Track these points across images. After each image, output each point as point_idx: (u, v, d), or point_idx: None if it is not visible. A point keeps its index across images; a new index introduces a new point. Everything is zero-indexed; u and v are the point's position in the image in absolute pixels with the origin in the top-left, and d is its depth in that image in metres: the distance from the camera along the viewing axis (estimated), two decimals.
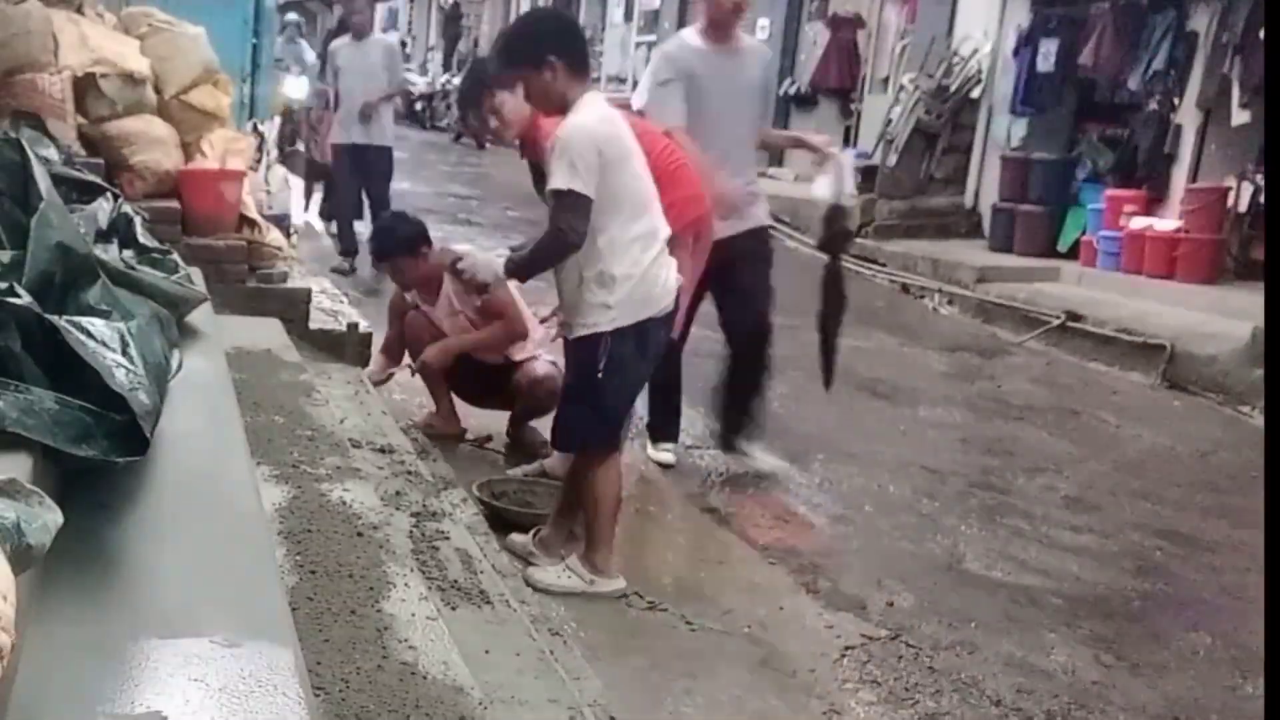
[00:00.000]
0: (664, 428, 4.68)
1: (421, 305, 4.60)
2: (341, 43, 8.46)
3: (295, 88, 10.79)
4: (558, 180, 2.99)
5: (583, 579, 3.34)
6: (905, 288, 9.15)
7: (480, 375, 4.51)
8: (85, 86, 4.70)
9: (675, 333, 3.98)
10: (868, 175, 10.79)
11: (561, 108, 3.09)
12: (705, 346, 6.76)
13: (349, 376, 4.46)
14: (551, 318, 3.57)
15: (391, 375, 4.79)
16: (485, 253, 3.42)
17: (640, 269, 3.13)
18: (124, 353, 1.72)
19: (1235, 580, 4.03)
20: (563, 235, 3.04)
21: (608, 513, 3.38)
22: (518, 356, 4.44)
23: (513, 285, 3.96)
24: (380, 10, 29.95)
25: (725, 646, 3.22)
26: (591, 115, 3.05)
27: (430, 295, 4.53)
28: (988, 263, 9.10)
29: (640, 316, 3.15)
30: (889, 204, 10.23)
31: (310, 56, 11.88)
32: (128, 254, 2.61)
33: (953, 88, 10.23)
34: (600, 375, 3.17)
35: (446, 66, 22.64)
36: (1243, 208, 7.99)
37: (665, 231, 3.24)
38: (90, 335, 1.66)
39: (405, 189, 12.21)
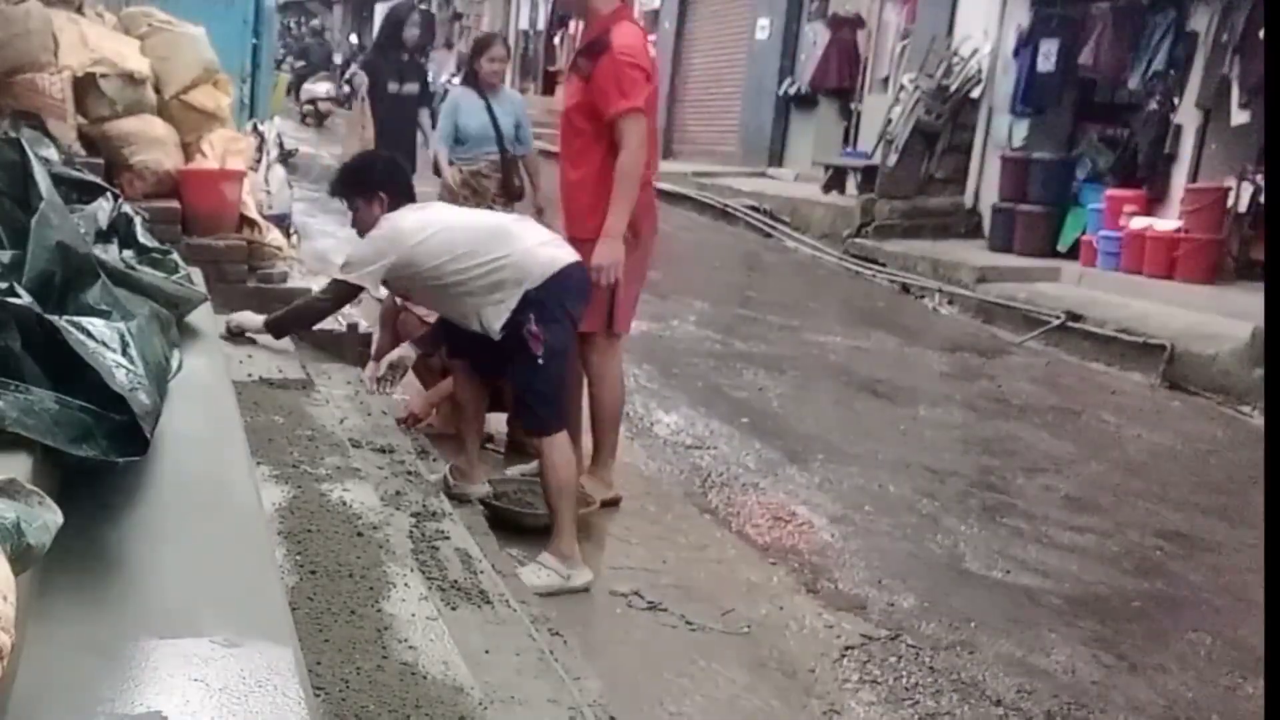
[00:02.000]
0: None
1: (409, 305, 4.59)
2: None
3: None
4: (334, 271, 3.77)
5: (560, 575, 3.41)
6: (905, 288, 9.15)
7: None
8: (85, 86, 4.70)
9: (624, 324, 4.17)
10: (868, 175, 10.80)
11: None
12: (705, 346, 6.77)
13: (349, 376, 4.45)
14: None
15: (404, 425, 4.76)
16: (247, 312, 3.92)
17: (493, 267, 3.47)
18: (124, 353, 1.72)
19: (1235, 580, 4.03)
20: (316, 300, 3.85)
21: (569, 498, 3.50)
22: None
23: None
24: (380, 10, 30.00)
25: (725, 646, 3.22)
26: (383, 226, 3.65)
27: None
28: (988, 263, 9.10)
29: (533, 284, 3.45)
30: (889, 204, 10.23)
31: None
32: (128, 254, 2.61)
33: (953, 88, 10.22)
34: (540, 357, 3.45)
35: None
36: (1243, 208, 7.99)
37: (499, 225, 3.66)
38: (90, 335, 1.66)
39: None
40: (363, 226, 3.80)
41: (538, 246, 3.57)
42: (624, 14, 3.92)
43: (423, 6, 7.95)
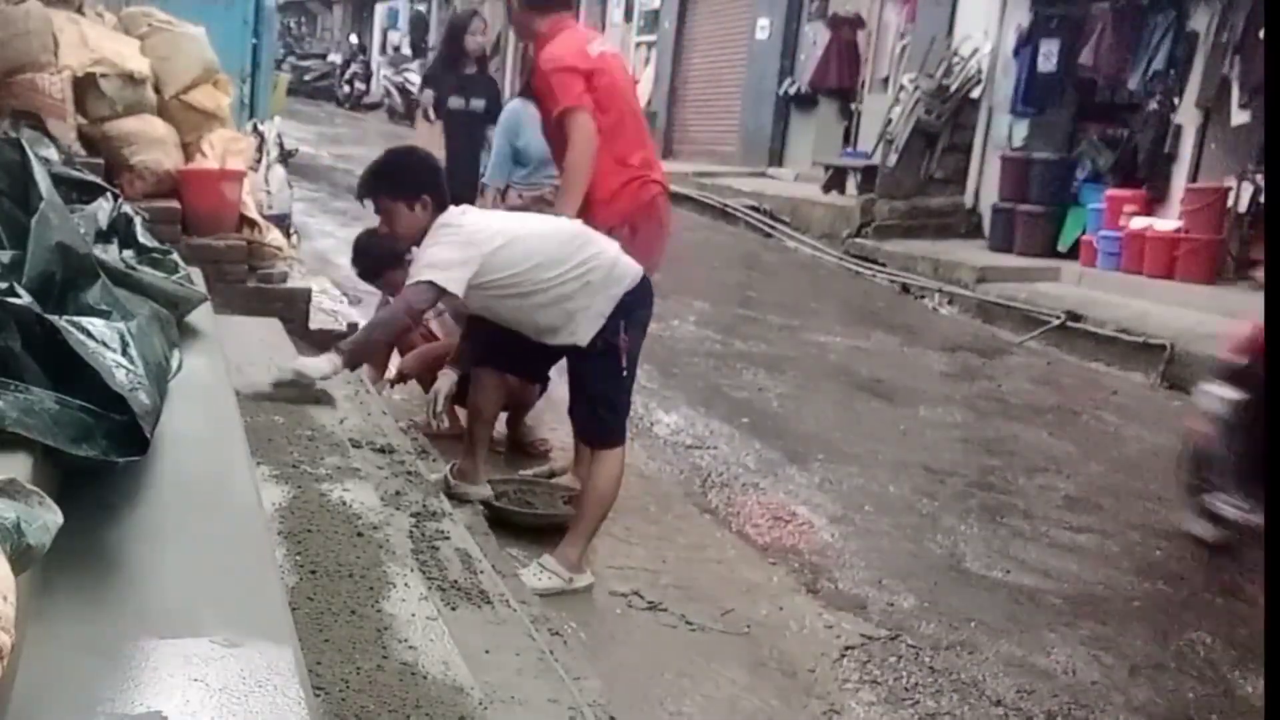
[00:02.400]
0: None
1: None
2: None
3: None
4: (414, 275, 3.38)
5: (562, 577, 3.37)
6: (905, 288, 9.15)
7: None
8: (85, 86, 4.70)
9: None
10: (868, 175, 10.80)
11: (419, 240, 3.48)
12: (705, 346, 6.77)
13: (349, 376, 4.44)
14: None
15: (393, 384, 4.74)
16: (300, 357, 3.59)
17: (584, 276, 3.34)
18: (124, 353, 1.72)
19: (1235, 580, 4.03)
20: (396, 307, 3.52)
21: (602, 511, 3.46)
22: None
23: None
24: (380, 10, 30.01)
25: (725, 646, 3.22)
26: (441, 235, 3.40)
27: None
28: (988, 263, 9.10)
29: (621, 293, 3.35)
30: (889, 204, 10.23)
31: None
32: (128, 254, 2.62)
33: (953, 88, 10.23)
34: (624, 368, 3.40)
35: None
36: (1243, 208, 7.99)
37: (577, 232, 3.48)
38: (90, 335, 1.67)
39: None
40: (404, 233, 3.51)
41: (619, 254, 3.45)
42: (560, 26, 3.91)
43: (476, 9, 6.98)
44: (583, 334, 3.34)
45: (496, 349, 3.59)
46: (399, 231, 3.51)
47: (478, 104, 6.53)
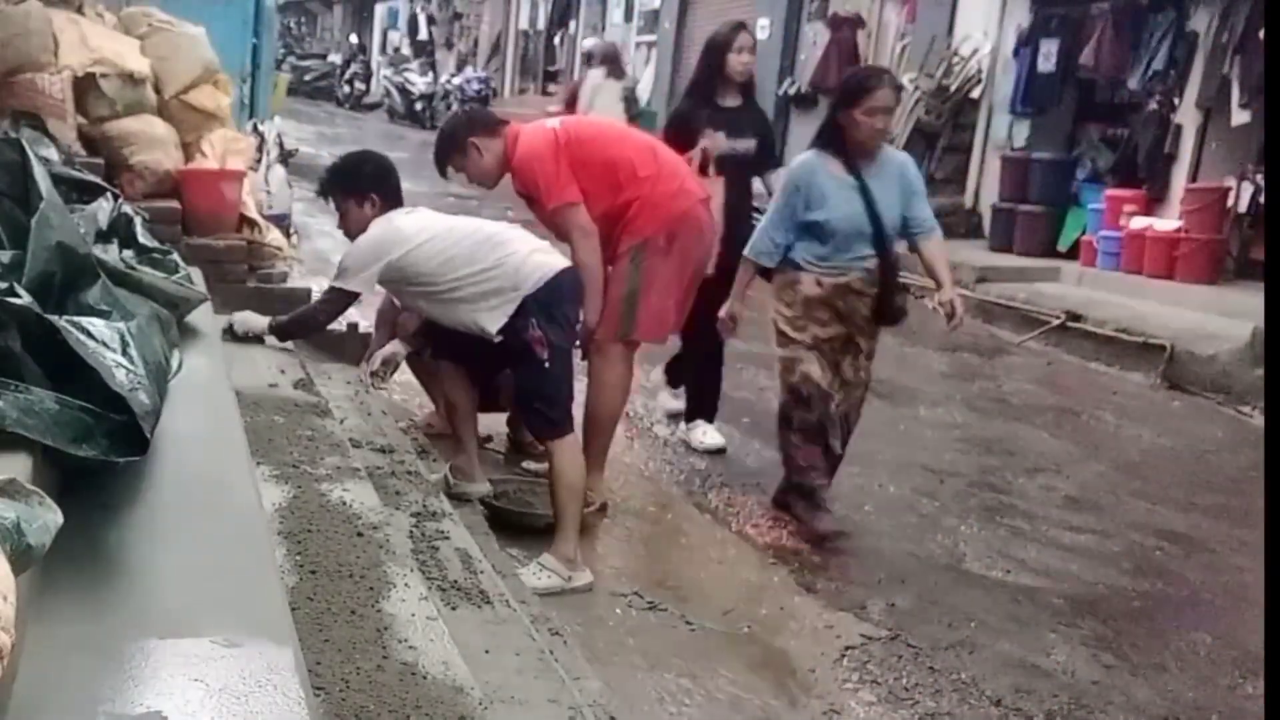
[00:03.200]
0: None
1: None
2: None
3: None
4: (334, 279, 3.73)
5: (561, 576, 3.38)
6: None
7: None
8: (85, 86, 4.70)
9: (675, 329, 4.35)
10: None
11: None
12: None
13: (349, 376, 4.45)
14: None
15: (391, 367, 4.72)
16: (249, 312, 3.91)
17: (486, 274, 3.51)
18: (124, 353, 1.72)
19: (1235, 580, 4.03)
20: (322, 304, 3.85)
21: (575, 500, 3.48)
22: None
23: None
24: (380, 10, 30.02)
25: (725, 646, 3.22)
26: (370, 232, 3.70)
27: None
28: (988, 263, 9.10)
29: (531, 289, 3.49)
30: None
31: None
32: (128, 254, 2.62)
33: (953, 88, 10.23)
34: (545, 360, 3.47)
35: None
36: (1243, 208, 7.99)
37: (495, 234, 3.64)
38: (90, 335, 1.67)
39: (406, 189, 12.20)
40: (353, 229, 3.80)
41: (530, 254, 3.58)
42: (514, 134, 3.91)
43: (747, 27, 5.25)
44: (486, 328, 3.51)
45: (450, 342, 3.74)
46: (349, 227, 3.82)
47: (747, 144, 5.05)
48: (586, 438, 4.06)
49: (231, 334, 3.71)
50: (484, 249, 3.57)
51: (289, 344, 3.97)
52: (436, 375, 4.51)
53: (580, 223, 3.83)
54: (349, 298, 3.72)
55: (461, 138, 3.94)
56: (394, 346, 3.92)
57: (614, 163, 3.93)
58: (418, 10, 25.37)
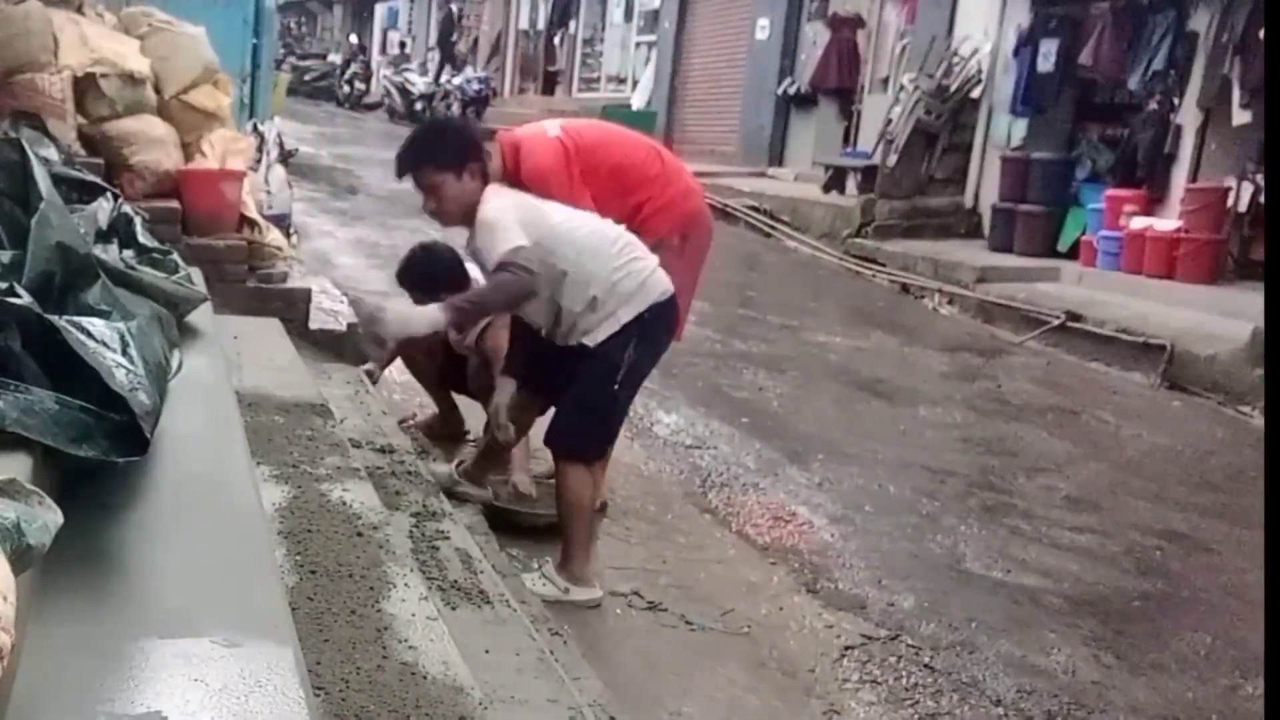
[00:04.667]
0: None
1: None
2: None
3: None
4: (502, 246, 3.16)
5: (557, 586, 3.28)
6: (905, 288, 9.15)
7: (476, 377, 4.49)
8: (85, 86, 4.70)
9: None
10: (868, 175, 10.80)
11: (469, 214, 3.30)
12: (705, 346, 6.77)
13: (349, 376, 4.45)
14: None
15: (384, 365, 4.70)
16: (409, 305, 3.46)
17: (617, 275, 3.23)
18: (124, 353, 1.72)
19: (1235, 580, 4.03)
20: (521, 273, 3.16)
21: (584, 520, 3.34)
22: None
23: None
24: (380, 10, 30.00)
25: (725, 646, 3.22)
26: (498, 199, 3.30)
27: None
28: (988, 263, 9.10)
29: (646, 304, 3.24)
30: (889, 204, 10.23)
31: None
32: (128, 254, 2.62)
33: (953, 88, 10.22)
34: (618, 382, 3.25)
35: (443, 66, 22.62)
36: (1243, 208, 7.99)
37: (621, 236, 3.35)
38: (90, 335, 1.67)
39: (406, 189, 12.21)
40: (451, 207, 3.33)
41: (657, 267, 3.31)
42: (513, 143, 3.66)
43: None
44: (598, 335, 3.23)
45: (529, 368, 3.47)
46: (447, 207, 3.33)
47: None
48: None
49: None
50: (616, 246, 3.27)
51: (289, 346, 3.93)
52: (433, 377, 4.50)
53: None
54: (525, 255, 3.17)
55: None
56: (505, 390, 3.52)
57: (622, 167, 3.86)
58: (453, 7, 25.13)
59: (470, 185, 3.29)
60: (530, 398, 3.56)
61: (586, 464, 3.34)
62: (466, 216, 3.31)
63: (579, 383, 3.30)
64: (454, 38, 24.42)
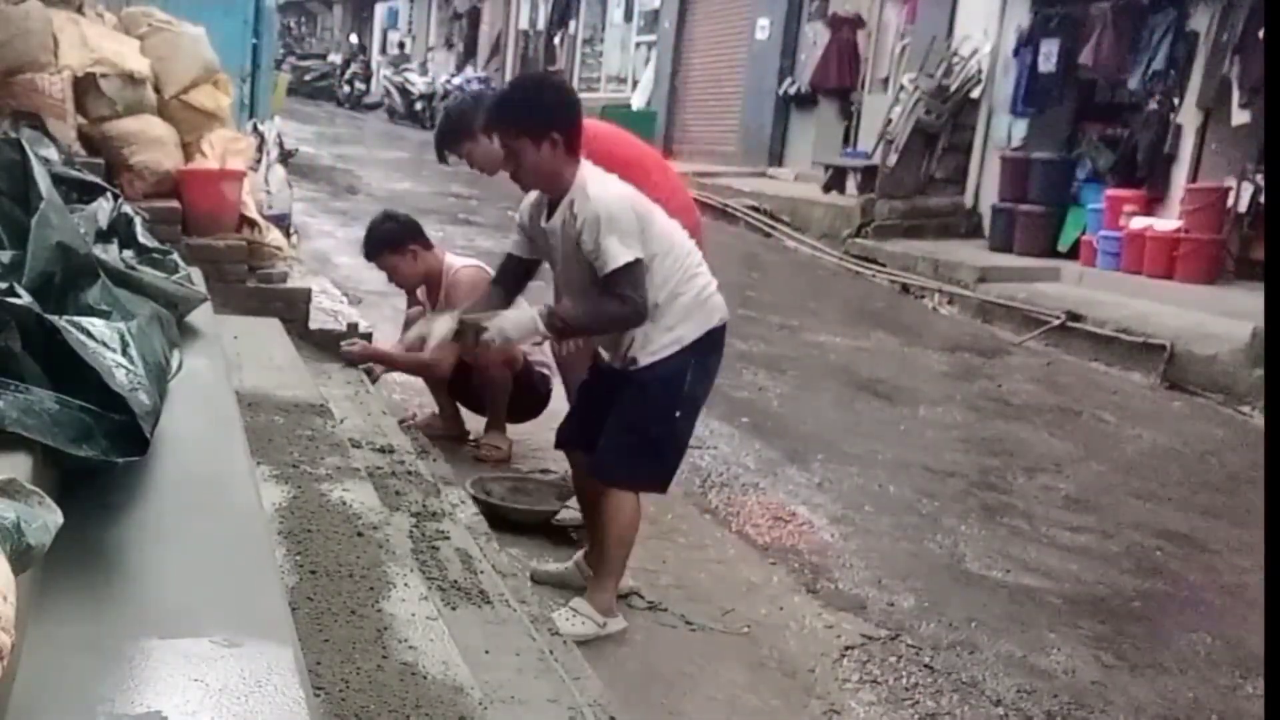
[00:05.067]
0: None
1: (424, 306, 4.57)
2: None
3: None
4: (619, 255, 2.87)
5: (595, 623, 3.10)
6: (905, 288, 9.15)
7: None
8: (85, 86, 4.70)
9: None
10: (868, 175, 10.80)
11: (550, 186, 3.00)
12: None
13: (349, 376, 4.45)
14: None
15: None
16: (516, 312, 3.11)
17: (683, 286, 3.00)
18: (124, 353, 1.72)
19: (1235, 580, 4.03)
20: (632, 304, 2.91)
21: (625, 551, 3.16)
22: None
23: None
24: (380, 10, 30.00)
25: (725, 646, 3.22)
26: (612, 184, 2.99)
27: (432, 295, 4.50)
28: (988, 263, 9.10)
29: (705, 328, 3.02)
30: (889, 204, 10.23)
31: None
32: (128, 254, 2.62)
33: (953, 88, 10.23)
34: (679, 406, 3.02)
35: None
36: (1243, 208, 7.99)
37: (690, 242, 3.12)
38: (90, 335, 1.67)
39: (406, 189, 12.22)
40: (534, 176, 3.00)
41: (717, 287, 3.07)
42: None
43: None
44: (655, 351, 2.97)
45: (585, 423, 3.21)
46: (536, 171, 2.97)
47: None
48: None
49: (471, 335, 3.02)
50: (685, 248, 3.02)
51: (291, 348, 3.93)
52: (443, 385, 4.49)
53: None
54: (644, 267, 2.91)
55: (470, 124, 3.71)
56: (440, 325, 3.12)
57: (627, 162, 3.88)
58: (479, 3, 25.04)
59: (545, 155, 2.92)
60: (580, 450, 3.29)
61: (639, 491, 3.13)
62: (550, 184, 3.00)
63: (634, 406, 3.03)
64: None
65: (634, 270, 2.88)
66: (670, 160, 4.32)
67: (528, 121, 2.91)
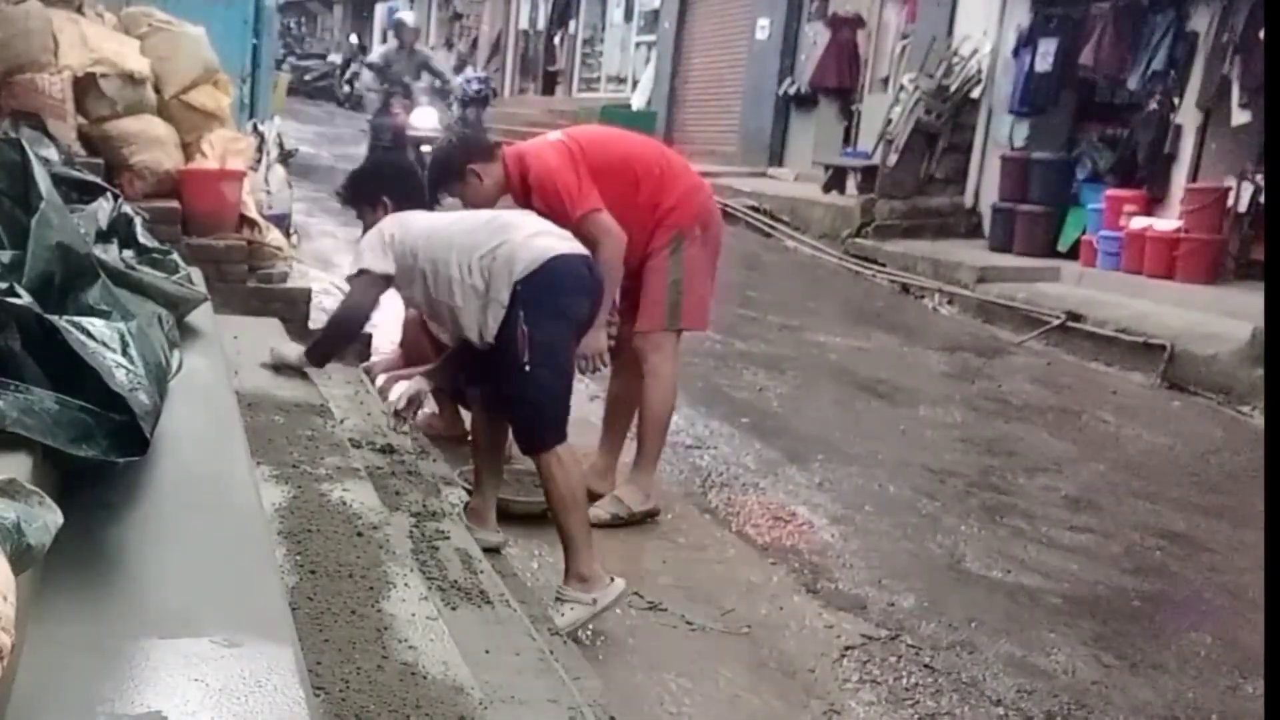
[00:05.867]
0: None
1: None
2: None
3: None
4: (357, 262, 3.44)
5: (583, 603, 3.09)
6: (905, 288, 9.15)
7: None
8: (85, 86, 4.70)
9: (697, 321, 4.18)
10: (868, 175, 10.79)
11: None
12: (705, 346, 6.77)
13: (349, 376, 4.45)
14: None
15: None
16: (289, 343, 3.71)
17: (484, 260, 3.21)
18: (124, 353, 1.72)
19: (1235, 580, 4.03)
20: (350, 308, 3.52)
21: (580, 513, 3.18)
22: None
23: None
24: (380, 10, 29.97)
25: (725, 646, 3.22)
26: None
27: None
28: (988, 263, 9.10)
29: (513, 281, 3.16)
30: (889, 204, 10.23)
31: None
32: (128, 254, 2.62)
33: (953, 88, 10.22)
34: (527, 362, 3.14)
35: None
36: (1243, 208, 7.99)
37: (492, 218, 3.39)
38: (90, 335, 1.67)
39: None
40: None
41: (531, 237, 3.25)
42: (515, 155, 3.88)
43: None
44: (489, 328, 3.20)
45: (467, 371, 3.49)
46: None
47: None
48: (641, 437, 4.08)
49: (273, 366, 3.46)
50: (485, 232, 3.27)
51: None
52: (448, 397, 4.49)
53: (609, 226, 3.76)
54: (373, 283, 3.40)
55: (460, 165, 3.87)
56: (418, 384, 3.56)
57: (628, 161, 3.98)
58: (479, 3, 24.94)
59: (379, 218, 3.51)
60: (488, 411, 3.53)
61: (554, 450, 3.19)
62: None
63: (500, 381, 3.28)
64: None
65: (354, 279, 3.47)
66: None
67: (365, 197, 3.65)
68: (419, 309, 3.73)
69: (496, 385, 3.33)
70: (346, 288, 3.76)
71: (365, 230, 3.58)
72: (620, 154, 4.00)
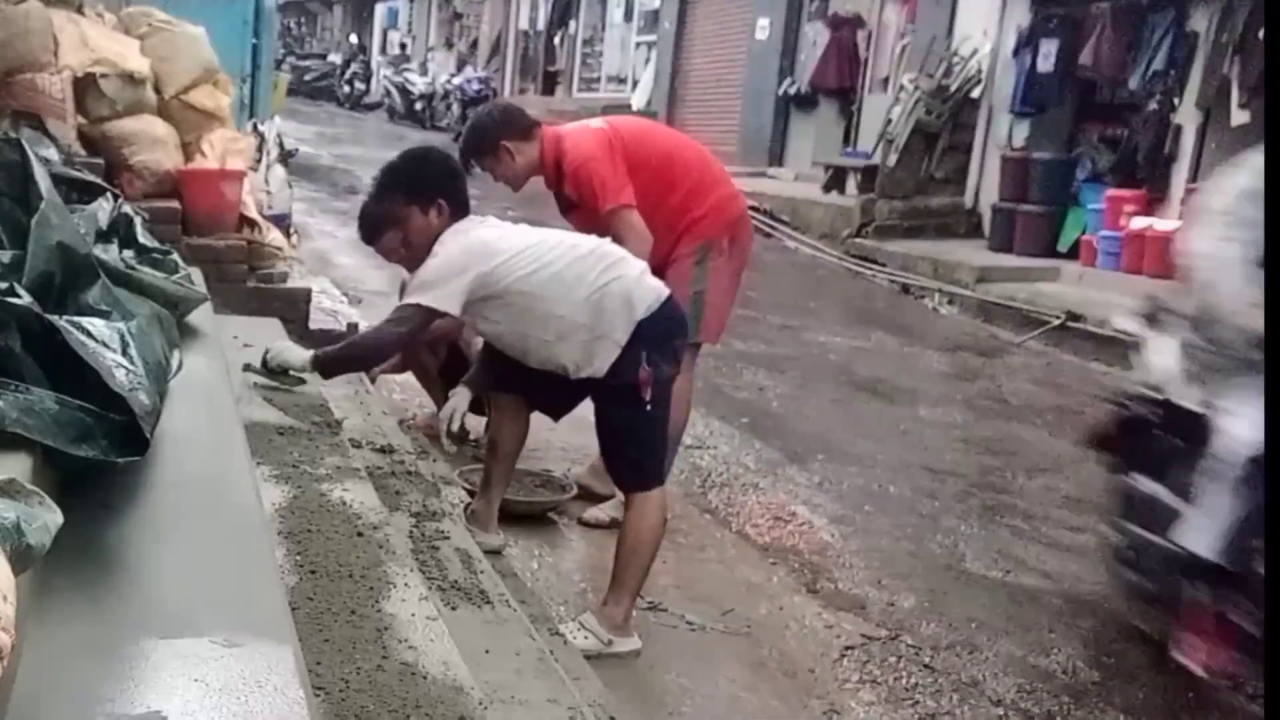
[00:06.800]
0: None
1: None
2: None
3: None
4: (417, 291, 3.10)
5: (600, 639, 3.04)
6: (905, 288, 9.15)
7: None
8: (85, 86, 4.70)
9: (713, 335, 4.04)
10: (868, 175, 10.80)
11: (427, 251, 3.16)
12: (705, 346, 6.76)
13: (349, 376, 4.44)
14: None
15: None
16: (289, 343, 3.39)
17: (594, 295, 3.05)
18: (124, 353, 1.72)
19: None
20: (388, 336, 3.23)
21: (643, 560, 3.10)
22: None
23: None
24: (380, 10, 30.01)
25: (725, 646, 3.22)
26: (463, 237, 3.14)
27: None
28: (988, 263, 9.10)
29: (635, 320, 3.04)
30: (889, 204, 10.23)
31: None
32: (128, 254, 2.62)
33: (953, 88, 10.23)
34: (649, 401, 3.06)
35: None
36: None
37: (595, 249, 3.17)
38: (90, 335, 1.67)
39: None
40: (415, 241, 3.18)
41: (641, 276, 3.13)
42: (554, 138, 3.76)
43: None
44: (597, 365, 3.05)
45: (517, 373, 3.25)
46: (415, 239, 3.17)
47: None
48: None
49: (264, 369, 3.18)
50: (589, 265, 3.07)
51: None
52: (434, 377, 4.49)
53: (636, 225, 3.63)
54: (429, 317, 3.11)
55: (494, 139, 3.71)
56: (462, 398, 3.36)
57: (669, 159, 3.84)
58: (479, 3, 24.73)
59: (430, 223, 3.16)
60: (521, 405, 3.42)
61: (655, 489, 3.13)
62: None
63: (612, 416, 3.15)
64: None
65: (404, 310, 3.14)
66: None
67: (416, 194, 3.17)
68: (479, 332, 3.43)
69: (564, 396, 3.24)
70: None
71: (406, 238, 3.20)
72: (662, 152, 3.85)
